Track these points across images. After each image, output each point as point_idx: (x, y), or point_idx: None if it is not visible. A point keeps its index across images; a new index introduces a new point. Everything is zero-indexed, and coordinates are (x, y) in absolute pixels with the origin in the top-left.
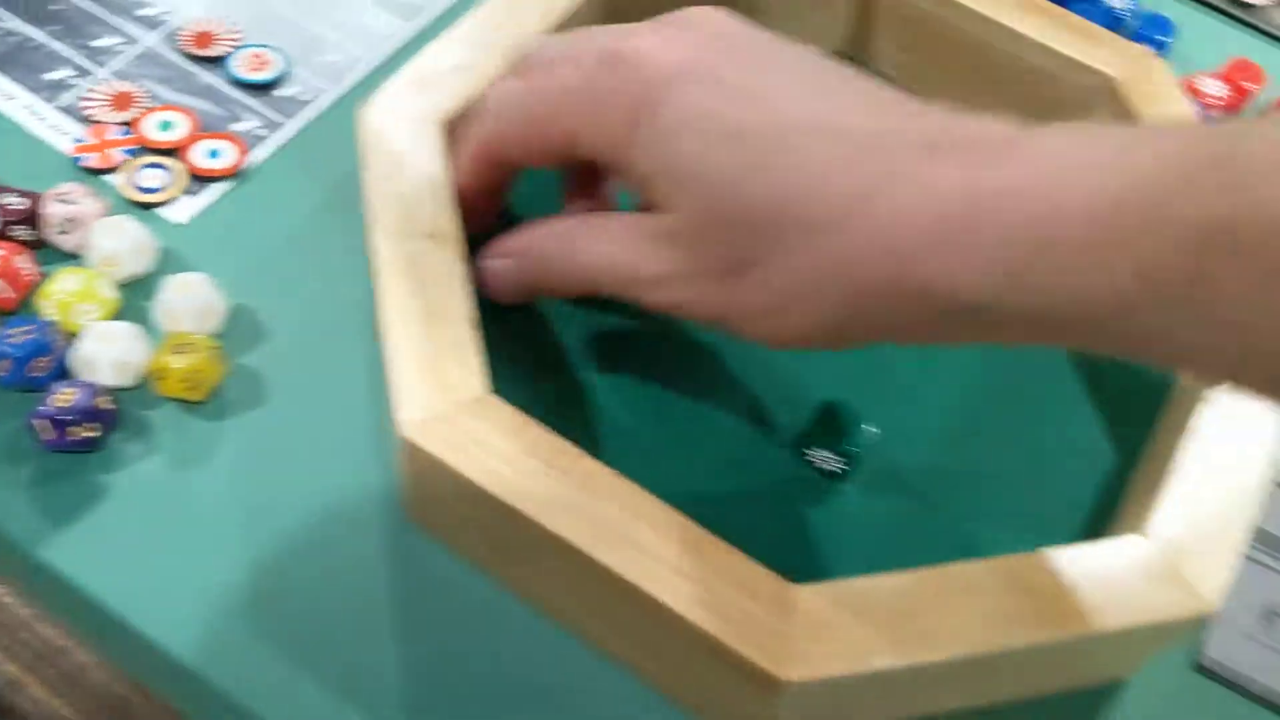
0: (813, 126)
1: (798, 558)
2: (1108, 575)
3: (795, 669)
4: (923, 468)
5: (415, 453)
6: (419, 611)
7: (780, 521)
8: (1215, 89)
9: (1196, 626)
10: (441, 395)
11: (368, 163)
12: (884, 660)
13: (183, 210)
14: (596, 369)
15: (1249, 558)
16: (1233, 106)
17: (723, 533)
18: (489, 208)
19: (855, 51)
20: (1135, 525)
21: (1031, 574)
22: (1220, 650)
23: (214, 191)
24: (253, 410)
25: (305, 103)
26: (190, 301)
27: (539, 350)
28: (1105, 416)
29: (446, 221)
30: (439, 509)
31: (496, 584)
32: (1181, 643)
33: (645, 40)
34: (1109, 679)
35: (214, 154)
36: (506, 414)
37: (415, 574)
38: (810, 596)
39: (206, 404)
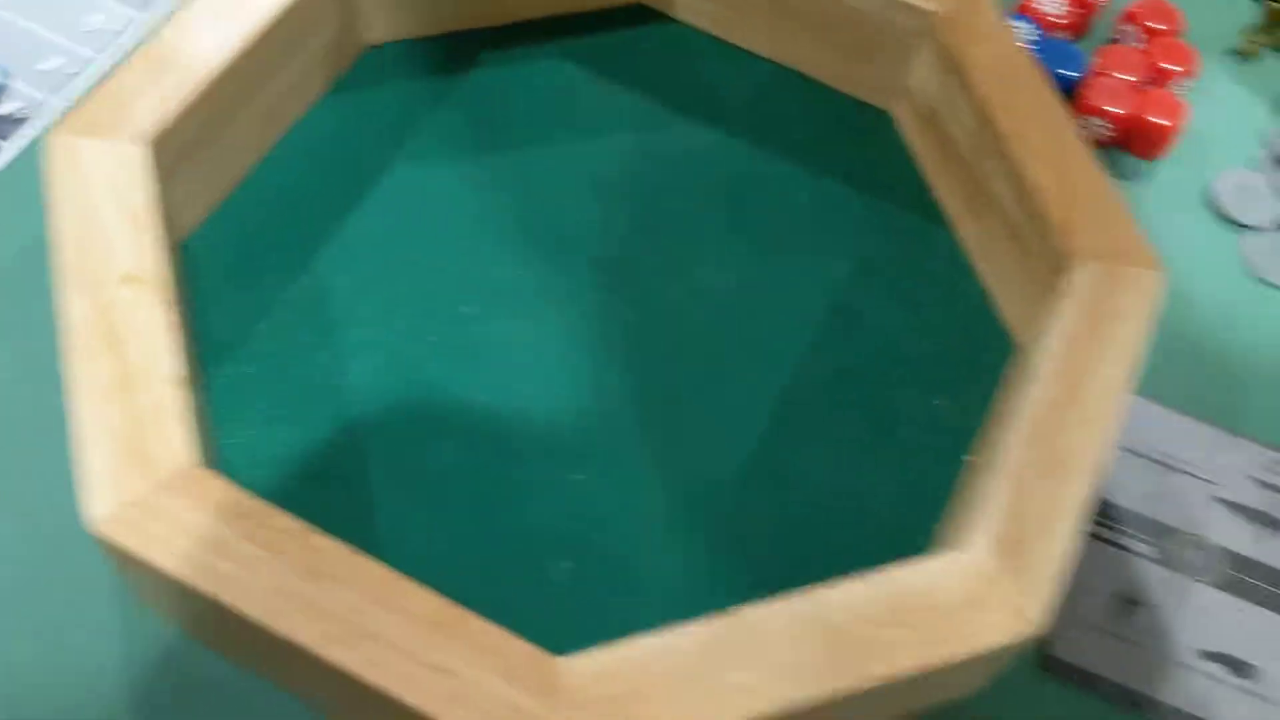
0: None
1: (575, 618)
2: (919, 603)
3: None
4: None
5: (111, 549)
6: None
7: (547, 582)
8: (1055, 7)
9: (1025, 647)
10: (138, 476)
11: (52, 199)
12: None
13: None
14: (345, 426)
15: (1094, 536)
16: (1077, 25)
17: (488, 601)
18: None
19: (657, 3)
20: (953, 539)
21: (832, 613)
22: (1066, 648)
23: None
24: None
25: (22, 120)
26: None
27: (278, 402)
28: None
29: (149, 262)
30: (169, 605)
31: (254, 679)
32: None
33: None
34: (954, 695)
35: None
36: (219, 490)
37: (161, 677)
38: (575, 670)
39: None
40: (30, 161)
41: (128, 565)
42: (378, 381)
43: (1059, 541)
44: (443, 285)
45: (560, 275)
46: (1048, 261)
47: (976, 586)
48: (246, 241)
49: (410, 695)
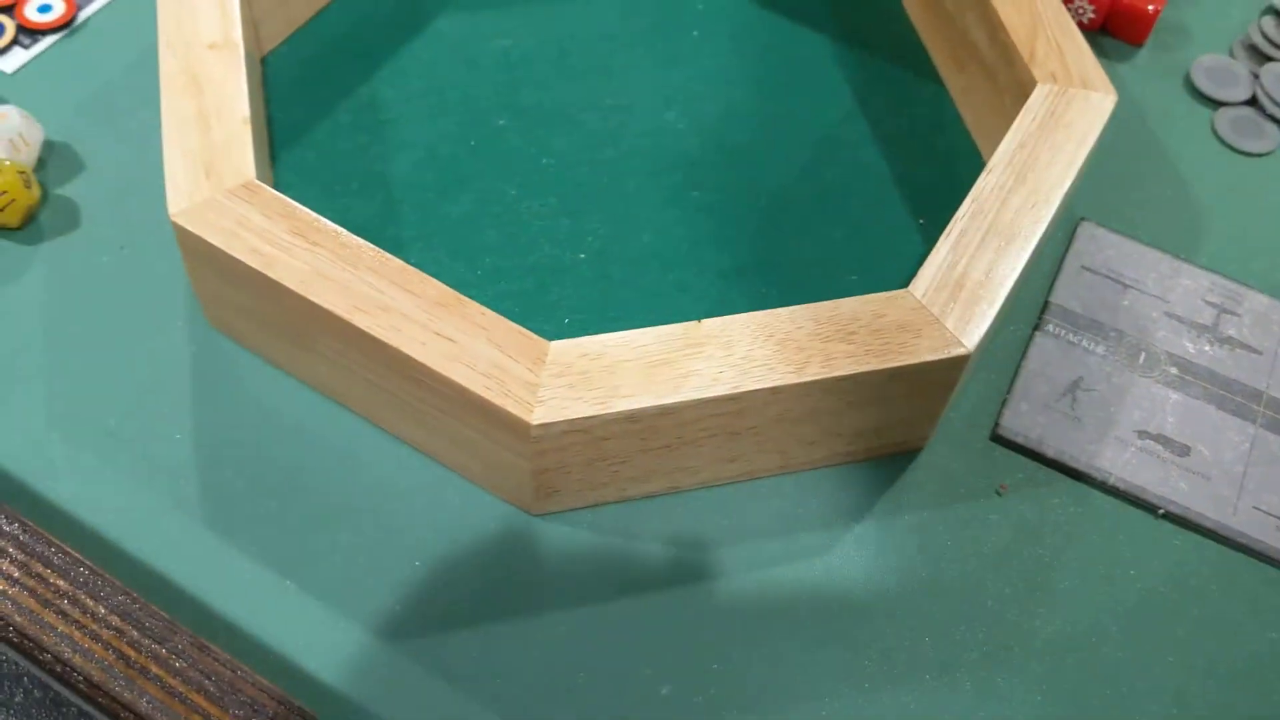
0: None
1: (565, 326)
2: (864, 326)
3: (541, 412)
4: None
5: (185, 238)
6: (220, 407)
7: (549, 290)
8: None
9: (959, 374)
10: (209, 185)
11: None
12: (630, 403)
13: (13, 61)
14: (387, 195)
15: (1052, 335)
16: None
17: (495, 302)
18: None
19: None
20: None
21: (784, 326)
22: (1016, 422)
23: (45, 43)
24: (67, 236)
25: None
26: (3, 130)
27: (333, 179)
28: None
29: (231, 33)
30: (224, 304)
31: (290, 375)
32: (981, 416)
33: None
34: (904, 445)
35: (45, 9)
36: (271, 198)
37: (215, 373)
38: (562, 350)
39: (23, 231)
40: None
41: (196, 254)
42: (417, 168)
43: (993, 288)
44: (479, 103)
45: (574, 97)
46: (1015, 90)
47: (915, 317)
48: (317, 60)
49: (415, 351)
